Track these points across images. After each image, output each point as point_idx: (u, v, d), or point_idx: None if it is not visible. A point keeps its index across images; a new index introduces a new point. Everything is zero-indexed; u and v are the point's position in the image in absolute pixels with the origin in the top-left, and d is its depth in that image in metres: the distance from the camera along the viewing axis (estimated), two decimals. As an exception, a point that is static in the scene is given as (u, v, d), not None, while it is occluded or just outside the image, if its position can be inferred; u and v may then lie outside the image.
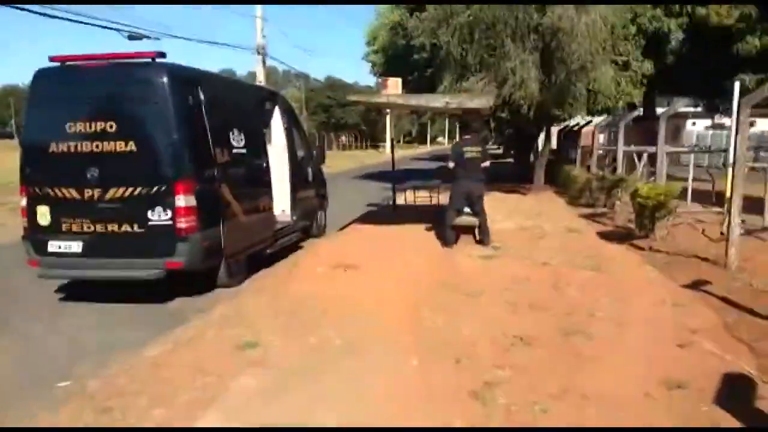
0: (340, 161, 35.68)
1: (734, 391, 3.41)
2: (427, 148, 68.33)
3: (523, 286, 5.74)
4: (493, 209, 10.60)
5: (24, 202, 5.85)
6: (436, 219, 8.91)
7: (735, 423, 3.04)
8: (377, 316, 4.92)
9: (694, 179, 10.92)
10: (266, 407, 3.36)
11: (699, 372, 3.62)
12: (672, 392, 3.40)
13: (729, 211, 6.29)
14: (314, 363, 3.99)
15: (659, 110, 16.98)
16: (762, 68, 15.28)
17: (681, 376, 3.56)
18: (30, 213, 5.80)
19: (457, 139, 8.06)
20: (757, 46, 14.76)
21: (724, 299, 5.10)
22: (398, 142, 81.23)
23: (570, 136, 21.63)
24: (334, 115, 66.33)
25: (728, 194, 6.78)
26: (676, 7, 14.80)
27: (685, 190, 11.56)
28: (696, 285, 5.60)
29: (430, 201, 11.88)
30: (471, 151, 7.74)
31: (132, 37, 15.91)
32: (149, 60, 5.77)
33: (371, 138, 68.06)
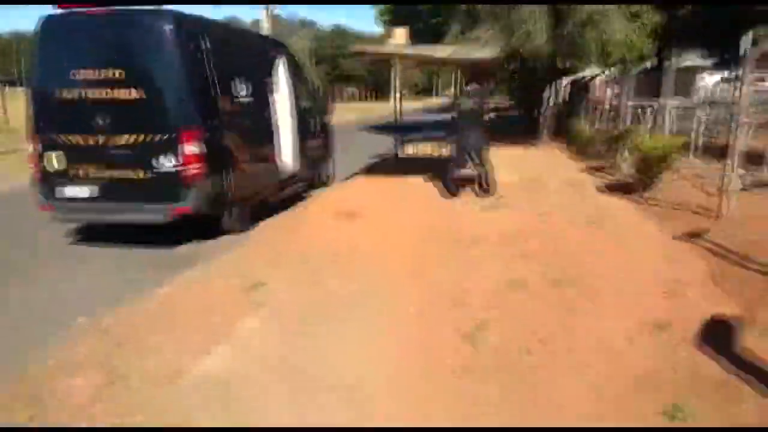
0: (347, 113, 35.41)
1: (715, 335, 3.58)
2: (435, 100, 67.43)
3: (519, 237, 5.88)
4: (497, 162, 10.66)
5: (32, 149, 5.98)
6: (439, 170, 9.01)
7: (711, 364, 3.23)
8: (378, 265, 5.10)
9: (702, 134, 10.88)
10: (271, 344, 3.59)
11: (682, 318, 3.79)
12: (654, 337, 3.59)
13: (726, 164, 6.33)
14: (317, 306, 4.20)
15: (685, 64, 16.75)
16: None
17: (664, 322, 3.74)
18: (40, 161, 5.94)
19: (470, 88, 8.03)
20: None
21: (715, 251, 5.24)
22: (406, 93, 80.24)
23: (577, 90, 21.37)
24: (340, 66, 65.28)
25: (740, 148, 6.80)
26: None
27: (689, 144, 11.59)
28: (689, 237, 5.72)
29: (434, 153, 11.91)
30: (470, 102, 7.76)
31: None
32: (155, 8, 5.78)
33: (378, 90, 67.12)
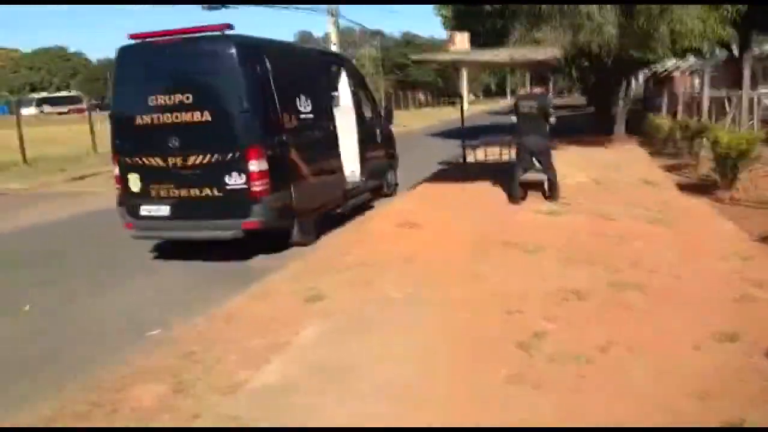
0: (416, 119, 35.59)
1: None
2: (506, 102, 66.32)
3: (584, 242, 5.73)
4: (568, 162, 10.41)
5: (116, 170, 6.49)
6: (504, 175, 8.90)
7: (783, 375, 3.03)
8: (436, 273, 5.14)
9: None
10: (328, 351, 3.72)
11: (754, 325, 3.58)
12: (723, 344, 3.41)
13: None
14: (373, 315, 4.29)
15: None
16: None
17: (734, 329, 3.53)
18: (122, 180, 6.43)
19: (520, 94, 7.93)
20: None
21: (800, 252, 4.88)
22: (477, 96, 79.43)
23: (656, 83, 20.39)
24: (409, 73, 65.72)
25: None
26: None
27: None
28: (770, 238, 5.36)
29: (500, 157, 11.78)
30: (527, 106, 7.64)
31: (209, 5, 16.61)
32: (218, 33, 6.13)
33: (448, 94, 66.92)
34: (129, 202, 6.44)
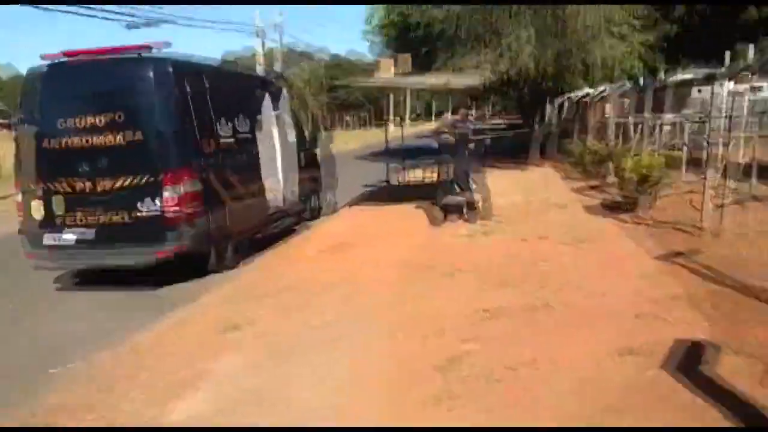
0: (344, 141, 35.69)
1: (682, 356, 3.58)
2: (432, 125, 67.95)
3: (501, 263, 5.93)
4: (489, 185, 10.75)
5: (19, 197, 6.11)
6: (430, 197, 9.10)
7: (675, 386, 3.23)
8: (360, 297, 5.16)
9: (698, 148, 10.84)
10: (248, 380, 3.64)
11: (652, 340, 3.79)
12: (623, 359, 3.60)
13: (706, 179, 6.38)
14: (296, 342, 4.24)
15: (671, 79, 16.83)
16: (758, 37, 15.16)
17: (634, 344, 3.74)
18: (26, 207, 6.06)
19: (445, 119, 8.20)
20: (756, 16, 14.64)
21: (693, 269, 5.26)
22: (402, 120, 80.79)
23: (571, 109, 21.54)
24: (340, 95, 66.10)
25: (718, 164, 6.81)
26: None
27: (680, 159, 11.61)
28: (669, 256, 5.74)
29: (426, 178, 12.04)
30: (455, 131, 7.89)
31: (130, 26, 16.14)
32: (136, 54, 5.96)
33: (377, 116, 67.79)
34: (32, 229, 6.07)
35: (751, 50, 9.47)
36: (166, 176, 5.82)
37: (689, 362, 3.50)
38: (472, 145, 8.15)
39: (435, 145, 8.55)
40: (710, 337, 3.82)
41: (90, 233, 5.94)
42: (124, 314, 5.48)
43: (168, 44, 5.99)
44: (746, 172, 8.64)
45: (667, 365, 3.47)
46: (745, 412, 2.91)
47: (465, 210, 8.30)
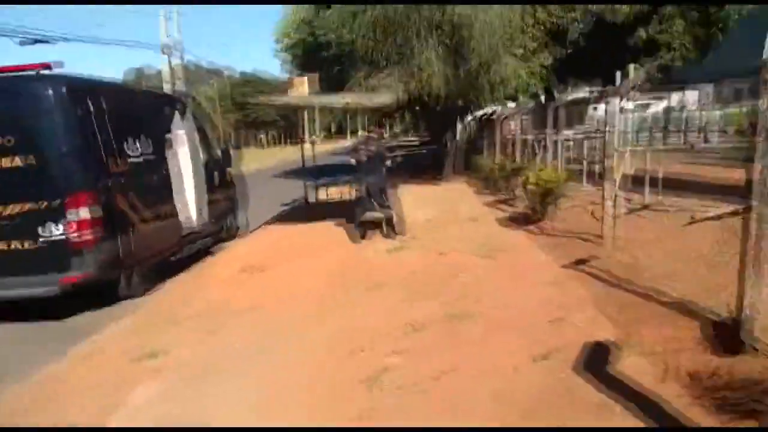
0: (259, 159, 35.25)
1: (592, 359, 3.83)
2: (347, 142, 68.48)
3: (421, 276, 6.07)
4: (404, 201, 10.99)
5: None
6: (348, 214, 9.15)
7: (587, 387, 3.45)
8: (280, 316, 5.10)
9: (596, 162, 11.63)
10: (165, 409, 3.49)
11: (564, 344, 4.04)
12: (538, 364, 3.80)
13: (604, 190, 6.86)
14: (216, 366, 4.13)
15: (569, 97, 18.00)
16: (648, 55, 16.67)
17: (548, 349, 3.96)
18: None
19: (360, 137, 8.34)
20: (644, 37, 16.01)
21: (597, 276, 5.64)
22: (318, 137, 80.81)
23: (480, 126, 22.49)
24: (252, 113, 65.10)
25: (614, 176, 7.36)
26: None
27: (581, 172, 12.44)
28: (575, 264, 6.12)
29: (343, 196, 12.10)
30: (367, 150, 8.03)
31: (24, 42, 15.10)
32: (34, 72, 5.63)
33: (291, 134, 67.39)
34: None
35: (631, 70, 10.35)
36: (67, 200, 5.51)
37: (598, 363, 3.74)
38: (388, 162, 8.30)
39: (351, 162, 8.64)
40: (615, 338, 4.10)
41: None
42: (32, 346, 5.09)
43: (60, 64, 5.69)
44: (641, 182, 9.42)
45: (578, 367, 3.70)
46: (649, 408, 3.15)
47: (384, 226, 8.43)
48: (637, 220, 8.47)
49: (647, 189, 9.70)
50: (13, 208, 5.43)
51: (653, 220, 8.44)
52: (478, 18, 11.93)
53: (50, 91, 5.51)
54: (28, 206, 5.44)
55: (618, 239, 6.96)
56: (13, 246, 5.48)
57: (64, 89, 5.66)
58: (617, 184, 8.34)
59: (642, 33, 15.74)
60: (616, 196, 7.50)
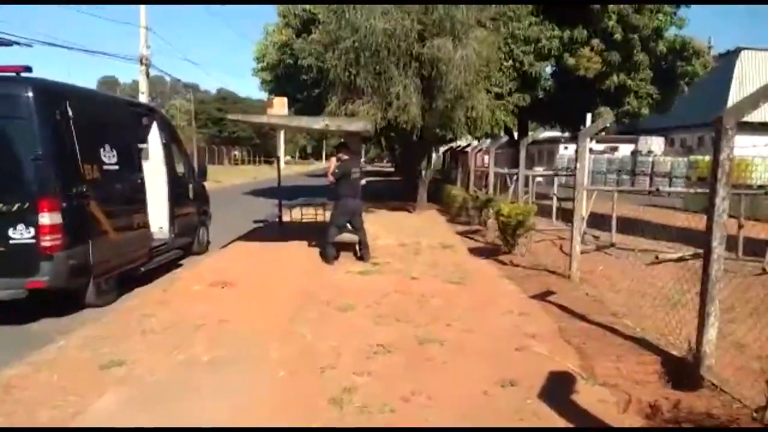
0: (231, 176, 35.00)
1: (557, 387, 3.93)
2: (321, 164, 68.55)
3: (392, 300, 6.13)
4: (377, 226, 11.08)
5: None
6: (319, 235, 9.17)
7: (552, 414, 3.54)
8: (249, 332, 5.06)
9: (566, 199, 11.97)
10: (126, 423, 3.41)
11: (530, 372, 4.13)
12: (505, 389, 3.88)
13: (571, 228, 7.08)
14: (181, 379, 4.07)
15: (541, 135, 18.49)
16: (616, 102, 17.30)
17: (515, 375, 4.05)
18: None
19: (341, 158, 8.40)
20: (615, 83, 16.59)
21: (563, 308, 5.79)
22: (293, 157, 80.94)
23: (454, 157, 22.90)
24: (225, 129, 64.88)
25: (582, 214, 7.62)
26: (546, 52, 16.20)
27: (551, 208, 12.78)
28: (543, 295, 6.28)
29: (315, 217, 12.14)
30: (351, 170, 8.13)
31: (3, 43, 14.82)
32: (12, 74, 5.59)
33: (265, 153, 67.26)
34: None
35: (588, 118, 10.85)
36: (41, 203, 5.42)
37: (563, 392, 3.84)
38: (363, 182, 8.40)
39: (326, 183, 8.72)
40: (580, 368, 4.22)
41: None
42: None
43: (29, 69, 5.66)
44: (609, 221, 9.74)
45: (544, 395, 3.79)
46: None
47: (358, 248, 8.48)
48: (604, 257, 8.75)
49: (614, 228, 10.03)
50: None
51: (619, 257, 8.72)
52: (457, 52, 12.23)
53: (30, 94, 5.46)
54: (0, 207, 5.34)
55: (584, 274, 7.16)
56: (-19, 246, 5.34)
57: (43, 93, 5.62)
58: (585, 221, 8.62)
59: (614, 78, 16.33)
60: (584, 233, 7.75)
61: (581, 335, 5.00)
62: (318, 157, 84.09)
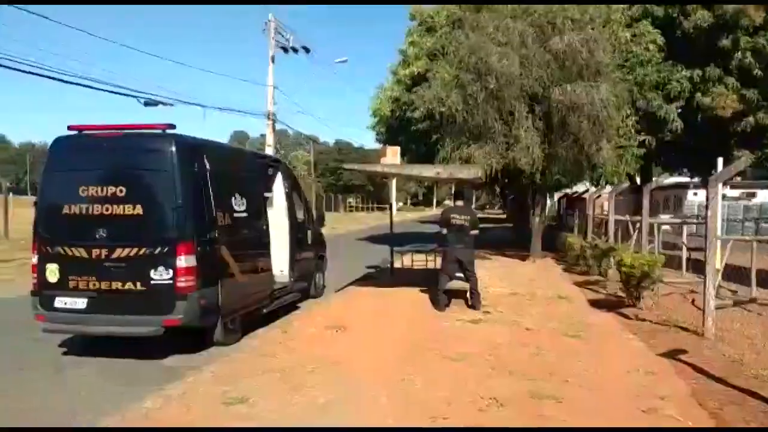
0: (346, 222, 36.25)
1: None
2: (432, 211, 68.96)
3: (505, 351, 5.94)
4: (489, 274, 10.91)
5: (35, 259, 6.22)
6: (430, 282, 9.19)
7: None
8: (361, 377, 5.14)
9: (697, 249, 11.04)
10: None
11: (659, 437, 3.80)
12: (630, 455, 3.59)
13: (705, 282, 6.51)
14: (296, 419, 4.21)
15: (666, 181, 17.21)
16: (754, 144, 15.89)
17: (642, 440, 3.74)
18: (40, 270, 6.15)
19: (449, 206, 8.45)
20: (753, 123, 15.30)
21: (696, 368, 5.29)
22: (405, 204, 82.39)
23: (570, 204, 22.09)
24: (342, 177, 67.73)
25: (717, 265, 6.99)
26: (675, 93, 15.32)
27: (680, 259, 11.81)
28: (672, 353, 5.78)
29: (427, 264, 12.17)
30: (460, 219, 8.13)
31: (148, 103, 16.86)
32: (160, 131, 6.28)
33: (378, 200, 69.12)
34: (44, 292, 6.13)
35: (719, 162, 10.01)
36: (179, 247, 5.95)
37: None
38: (474, 232, 8.34)
39: (438, 230, 8.77)
40: (717, 436, 3.82)
41: (100, 299, 5.98)
42: (125, 383, 5.43)
43: (173, 126, 6.31)
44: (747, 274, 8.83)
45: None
46: None
47: (469, 296, 8.38)
48: (742, 314, 7.92)
49: (754, 281, 9.06)
50: (130, 251, 5.94)
51: (761, 314, 7.84)
52: (589, 97, 11.80)
53: (173, 149, 6.10)
54: (143, 250, 5.94)
55: (720, 331, 6.53)
56: (125, 286, 5.95)
57: (184, 148, 6.26)
58: (720, 273, 7.87)
59: (751, 118, 15.03)
60: (719, 286, 7.09)
61: (718, 399, 4.54)
62: (428, 204, 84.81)
